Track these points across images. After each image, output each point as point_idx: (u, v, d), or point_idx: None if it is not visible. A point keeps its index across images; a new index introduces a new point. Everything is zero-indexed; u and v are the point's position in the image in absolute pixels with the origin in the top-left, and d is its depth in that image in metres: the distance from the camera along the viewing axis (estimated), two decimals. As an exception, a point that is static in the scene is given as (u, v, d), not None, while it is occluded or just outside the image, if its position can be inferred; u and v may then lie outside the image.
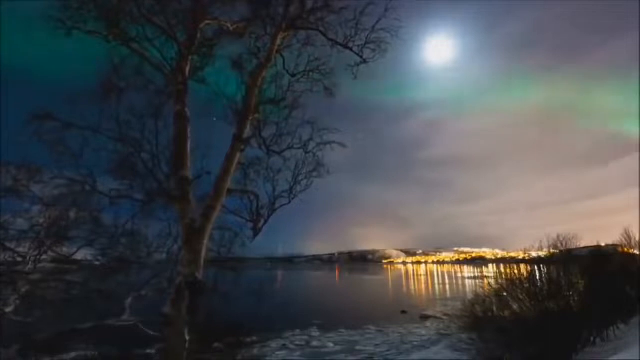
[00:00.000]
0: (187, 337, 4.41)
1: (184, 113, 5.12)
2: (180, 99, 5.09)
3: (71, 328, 4.92)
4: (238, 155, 5.33)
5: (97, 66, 5.29)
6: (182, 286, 4.43)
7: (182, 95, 5.11)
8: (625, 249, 16.20)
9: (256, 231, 6.69)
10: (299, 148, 6.79)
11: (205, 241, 4.90)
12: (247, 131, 5.46)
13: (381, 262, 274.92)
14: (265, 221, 6.66)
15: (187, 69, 5.25)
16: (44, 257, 6.06)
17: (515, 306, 9.87)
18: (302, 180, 6.90)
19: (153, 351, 4.93)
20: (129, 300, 5.95)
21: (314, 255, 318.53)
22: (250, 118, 5.45)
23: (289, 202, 6.88)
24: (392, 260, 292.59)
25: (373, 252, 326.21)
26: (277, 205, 6.76)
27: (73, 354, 5.93)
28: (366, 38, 6.08)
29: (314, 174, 6.90)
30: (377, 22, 5.89)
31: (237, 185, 6.33)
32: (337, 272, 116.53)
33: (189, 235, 4.78)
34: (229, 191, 5.38)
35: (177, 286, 4.45)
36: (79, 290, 6.08)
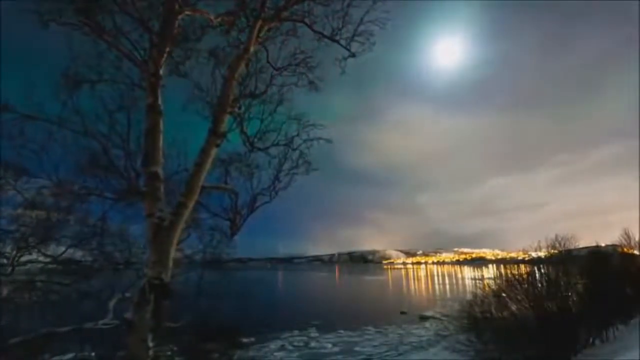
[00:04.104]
0: (151, 344, 4.17)
1: (157, 106, 4.89)
2: (152, 91, 4.90)
3: (50, 331, 4.75)
4: (214, 150, 5.13)
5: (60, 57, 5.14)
6: (147, 289, 4.19)
7: (155, 87, 4.93)
8: (625, 249, 16.15)
9: (234, 230, 6.55)
10: (284, 145, 6.62)
11: (175, 241, 4.66)
12: (225, 126, 5.27)
13: (381, 262, 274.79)
14: (244, 219, 6.52)
15: (162, 60, 5.03)
16: (23, 258, 5.96)
17: (514, 307, 9.81)
18: (284, 176, 6.71)
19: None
20: (113, 302, 5.80)
21: (314, 256, 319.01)
22: (229, 111, 5.28)
23: (270, 200, 6.71)
24: (392, 260, 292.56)
25: (373, 253, 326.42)
26: (258, 203, 6.62)
27: (52, 358, 5.78)
28: (354, 31, 5.87)
29: (295, 170, 6.74)
30: (365, 14, 5.69)
31: (219, 182, 6.21)
32: (337, 273, 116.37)
33: (156, 234, 4.47)
34: (204, 188, 5.17)
35: (141, 289, 4.18)
36: (62, 291, 5.98)
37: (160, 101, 4.94)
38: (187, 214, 4.78)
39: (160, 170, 4.82)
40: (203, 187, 5.07)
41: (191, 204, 4.83)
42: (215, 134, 5.02)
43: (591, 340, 9.81)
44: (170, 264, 4.49)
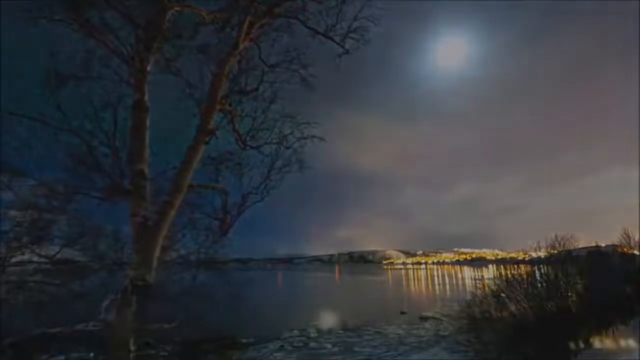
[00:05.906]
0: (132, 348, 4.06)
1: (143, 102, 4.83)
2: (139, 87, 4.84)
3: (42, 332, 4.68)
4: (202, 147, 5.05)
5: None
6: (129, 290, 4.11)
7: (142, 83, 4.86)
8: (625, 249, 16.08)
9: (224, 229, 6.47)
10: (276, 143, 6.54)
11: (160, 240, 4.56)
12: (213, 122, 5.18)
13: (381, 262, 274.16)
14: (235, 219, 6.43)
15: (150, 56, 4.94)
16: (15, 259, 5.86)
17: (513, 307, 9.75)
18: (275, 174, 6.64)
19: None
20: (105, 303, 5.70)
21: (314, 256, 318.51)
22: (218, 108, 5.20)
23: (262, 199, 6.63)
24: (392, 260, 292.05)
25: (373, 253, 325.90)
26: (249, 202, 6.53)
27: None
28: (348, 27, 5.84)
29: (287, 169, 6.67)
30: (360, 10, 5.68)
31: (209, 181, 6.13)
32: (337, 273, 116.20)
33: (140, 233, 4.42)
34: (192, 187, 5.09)
35: (123, 290, 4.11)
36: (54, 292, 5.88)
37: (147, 97, 4.85)
38: (173, 213, 4.69)
39: (146, 168, 4.73)
40: (191, 186, 4.98)
41: (177, 203, 4.73)
42: (203, 131, 4.94)
43: (590, 340, 9.72)
44: (155, 264, 4.38)
